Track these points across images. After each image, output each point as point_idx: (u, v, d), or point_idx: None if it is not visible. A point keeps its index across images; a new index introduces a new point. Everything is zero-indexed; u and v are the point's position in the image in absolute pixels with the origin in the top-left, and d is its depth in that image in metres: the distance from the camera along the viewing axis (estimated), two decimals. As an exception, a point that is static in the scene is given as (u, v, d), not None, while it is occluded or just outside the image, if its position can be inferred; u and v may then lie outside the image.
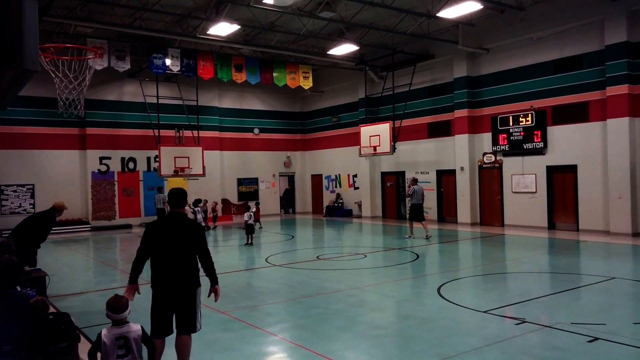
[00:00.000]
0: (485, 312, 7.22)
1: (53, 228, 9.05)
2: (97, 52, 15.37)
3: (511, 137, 17.64)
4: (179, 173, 20.66)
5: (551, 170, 16.81)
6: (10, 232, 8.70)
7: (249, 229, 15.43)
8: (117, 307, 4.10)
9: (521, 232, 16.45)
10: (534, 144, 16.96)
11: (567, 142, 16.26)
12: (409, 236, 15.79)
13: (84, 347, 4.44)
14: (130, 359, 4.05)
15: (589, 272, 10.13)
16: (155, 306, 4.92)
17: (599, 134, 15.50)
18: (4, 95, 4.49)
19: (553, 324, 6.52)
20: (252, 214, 15.96)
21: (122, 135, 22.25)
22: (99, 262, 13.45)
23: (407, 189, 16.93)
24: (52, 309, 5.25)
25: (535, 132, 16.92)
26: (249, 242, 15.40)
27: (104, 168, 21.85)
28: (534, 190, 17.19)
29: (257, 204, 20.68)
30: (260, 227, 19.82)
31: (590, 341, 5.85)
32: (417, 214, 15.75)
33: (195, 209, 18.57)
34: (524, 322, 6.67)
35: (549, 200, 16.89)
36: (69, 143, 21.35)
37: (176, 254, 4.89)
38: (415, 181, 16.22)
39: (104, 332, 4.04)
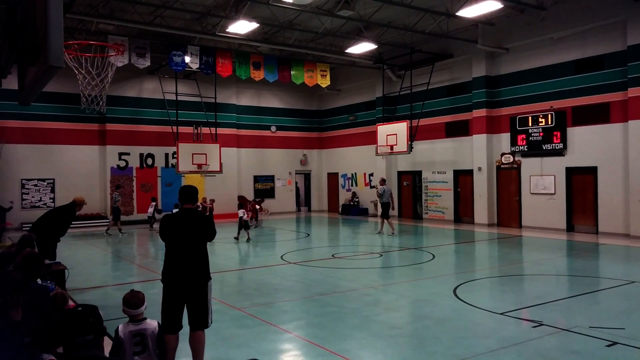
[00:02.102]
0: (501, 314, 7.16)
1: (73, 222, 9.19)
2: (119, 49, 15.57)
3: (530, 138, 17.43)
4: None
5: (570, 172, 16.57)
6: (31, 225, 8.86)
7: (245, 226, 15.95)
8: (133, 302, 4.13)
9: (539, 234, 16.26)
10: (554, 144, 16.73)
11: (587, 143, 16.01)
12: (379, 232, 17.20)
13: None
14: (146, 356, 4.05)
15: (608, 276, 9.98)
16: (167, 301, 4.99)
17: (620, 136, 15.23)
18: (28, 91, 4.58)
19: (571, 328, 6.45)
20: (244, 211, 16.59)
21: (141, 132, 22.50)
22: (116, 257, 13.64)
23: (377, 189, 17.96)
24: (70, 302, 5.35)
25: (555, 133, 16.69)
26: (247, 238, 15.87)
27: (122, 164, 22.13)
28: (553, 192, 16.97)
29: (256, 201, 20.33)
30: (256, 226, 19.45)
31: (609, 345, 5.77)
32: (387, 211, 17.15)
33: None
34: (541, 324, 6.59)
35: (567, 202, 16.65)
36: (89, 138, 21.67)
37: (188, 249, 4.97)
38: (383, 181, 17.73)
39: (120, 328, 4.07)
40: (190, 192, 5.14)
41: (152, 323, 4.16)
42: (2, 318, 3.60)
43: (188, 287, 4.98)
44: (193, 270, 4.99)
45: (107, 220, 21.26)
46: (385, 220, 17.10)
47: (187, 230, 5.01)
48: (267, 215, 25.21)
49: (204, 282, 5.06)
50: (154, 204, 19.96)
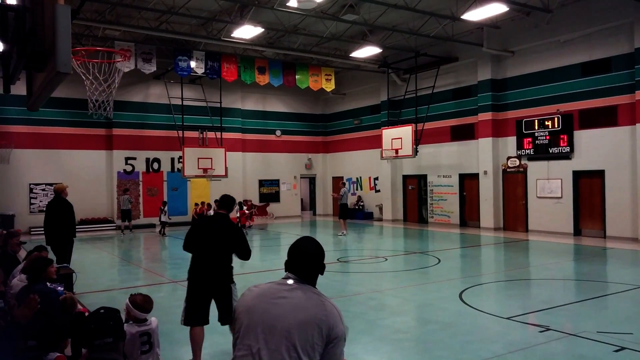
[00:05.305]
0: (508, 318, 7.13)
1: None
2: (125, 54, 15.69)
3: (536, 141, 17.36)
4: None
5: (577, 175, 16.49)
6: (43, 231, 8.86)
7: None
8: (148, 307, 4.24)
9: (546, 238, 16.17)
10: (560, 148, 16.66)
11: (594, 146, 15.93)
12: (342, 233, 17.72)
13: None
14: (152, 353, 4.17)
15: (616, 280, 9.91)
16: (193, 296, 5.31)
17: (627, 139, 15.15)
18: (37, 97, 4.61)
19: (578, 332, 6.40)
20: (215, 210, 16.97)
21: (147, 136, 22.60)
22: (123, 261, 13.69)
23: (339, 190, 18.65)
24: (79, 307, 5.38)
25: (562, 136, 16.62)
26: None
27: (129, 168, 22.22)
28: (560, 196, 16.89)
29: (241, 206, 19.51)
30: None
31: (616, 350, 5.73)
32: (346, 212, 18.26)
33: (209, 212, 18.90)
34: (548, 329, 6.56)
35: (575, 205, 16.56)
36: (96, 143, 21.78)
37: (215, 250, 5.33)
38: (343, 184, 18.88)
39: (125, 329, 4.12)
40: (226, 200, 5.68)
41: (154, 320, 4.27)
42: (4, 322, 3.63)
43: (214, 287, 5.28)
44: (219, 272, 5.32)
45: (114, 225, 21.37)
46: (343, 221, 18.09)
47: (215, 232, 5.39)
48: (272, 219, 25.23)
49: (228, 284, 5.40)
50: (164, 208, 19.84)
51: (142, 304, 4.18)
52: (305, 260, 2.57)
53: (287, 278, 2.54)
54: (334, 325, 2.39)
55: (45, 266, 4.85)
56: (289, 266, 2.58)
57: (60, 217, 8.72)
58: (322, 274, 2.60)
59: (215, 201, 19.68)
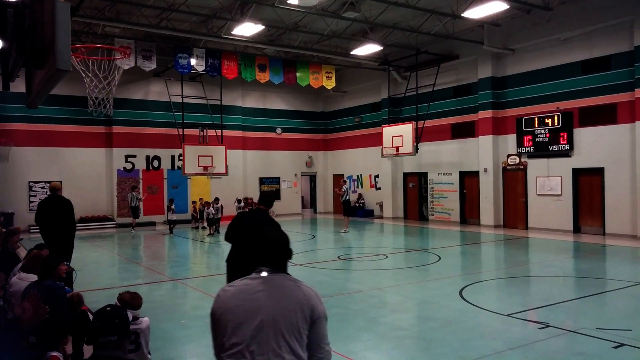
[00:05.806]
0: (508, 315, 7.14)
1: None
2: (125, 52, 15.67)
3: (536, 139, 17.36)
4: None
5: (577, 173, 16.49)
6: (39, 229, 8.81)
7: (211, 222, 18.33)
8: (137, 304, 4.19)
9: (545, 235, 16.18)
10: (560, 146, 16.66)
11: (594, 144, 15.93)
12: (345, 231, 17.97)
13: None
14: (139, 353, 4.13)
15: (615, 277, 9.92)
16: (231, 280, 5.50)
17: (627, 137, 15.15)
18: (36, 94, 4.62)
19: (578, 329, 6.42)
20: (220, 207, 18.60)
21: (147, 134, 22.59)
22: (123, 259, 13.70)
23: (342, 187, 18.86)
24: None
25: (562, 134, 16.62)
26: (211, 232, 18.19)
27: (129, 166, 22.22)
28: (559, 193, 16.89)
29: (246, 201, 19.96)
30: None
31: (615, 347, 5.74)
32: (349, 209, 18.67)
33: (209, 210, 18.93)
34: (547, 326, 6.57)
35: (574, 203, 16.57)
36: (96, 141, 21.77)
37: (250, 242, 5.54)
38: (344, 181, 19.33)
39: None
40: (266, 196, 6.27)
41: (145, 320, 4.22)
42: (6, 319, 3.63)
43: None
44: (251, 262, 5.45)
45: (114, 222, 21.38)
46: (347, 218, 18.50)
47: (252, 226, 5.69)
48: (272, 216, 25.23)
49: None
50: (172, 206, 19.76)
51: (130, 301, 4.17)
52: (273, 250, 2.65)
53: (260, 271, 2.59)
54: (314, 306, 2.48)
55: (57, 264, 4.86)
56: (259, 259, 2.65)
57: (60, 214, 8.64)
58: (290, 259, 2.69)
59: (216, 199, 19.75)
